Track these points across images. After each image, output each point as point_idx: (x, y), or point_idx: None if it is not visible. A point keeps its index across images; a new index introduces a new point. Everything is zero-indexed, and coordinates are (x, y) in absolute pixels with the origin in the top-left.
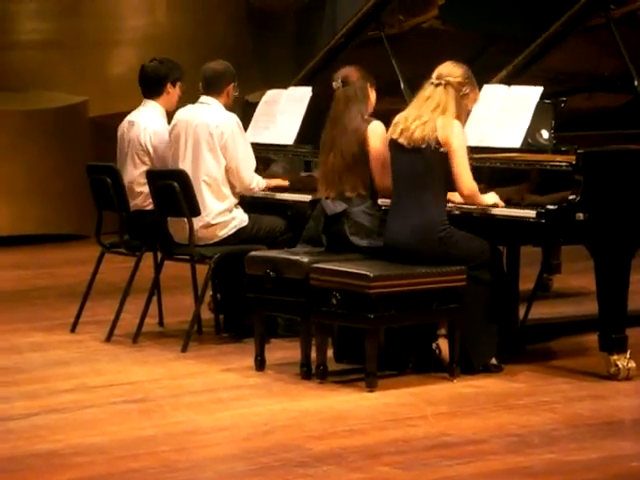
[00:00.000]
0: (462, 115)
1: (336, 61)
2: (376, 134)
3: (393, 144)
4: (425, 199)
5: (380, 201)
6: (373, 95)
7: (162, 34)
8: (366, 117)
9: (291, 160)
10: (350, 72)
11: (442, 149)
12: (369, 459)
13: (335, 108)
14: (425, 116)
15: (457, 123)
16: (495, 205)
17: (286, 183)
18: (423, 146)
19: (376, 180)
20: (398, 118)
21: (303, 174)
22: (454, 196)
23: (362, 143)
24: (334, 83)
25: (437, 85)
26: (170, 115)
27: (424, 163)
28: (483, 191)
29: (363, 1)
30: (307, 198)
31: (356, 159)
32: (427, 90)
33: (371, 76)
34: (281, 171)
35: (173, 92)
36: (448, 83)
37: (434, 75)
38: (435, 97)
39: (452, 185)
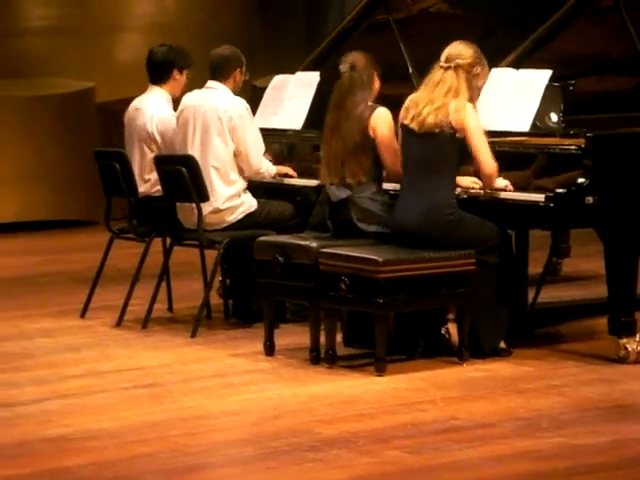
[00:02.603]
0: (474, 95)
1: (344, 46)
2: (383, 121)
3: (404, 129)
4: (435, 183)
5: (389, 186)
6: (377, 84)
7: (170, 20)
8: (370, 104)
9: (299, 145)
10: (358, 58)
11: (457, 135)
12: (378, 443)
13: (339, 92)
14: (437, 101)
15: (469, 105)
16: (505, 188)
17: (294, 173)
18: (436, 131)
19: (387, 166)
20: (409, 102)
21: (311, 160)
22: (462, 181)
23: (364, 130)
24: (341, 66)
25: (447, 69)
26: (176, 101)
27: (436, 149)
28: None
29: None
30: (315, 183)
31: (357, 146)
32: (437, 74)
33: (377, 64)
34: (289, 156)
35: (180, 79)
36: (458, 66)
37: (443, 57)
38: (446, 81)
39: (463, 168)
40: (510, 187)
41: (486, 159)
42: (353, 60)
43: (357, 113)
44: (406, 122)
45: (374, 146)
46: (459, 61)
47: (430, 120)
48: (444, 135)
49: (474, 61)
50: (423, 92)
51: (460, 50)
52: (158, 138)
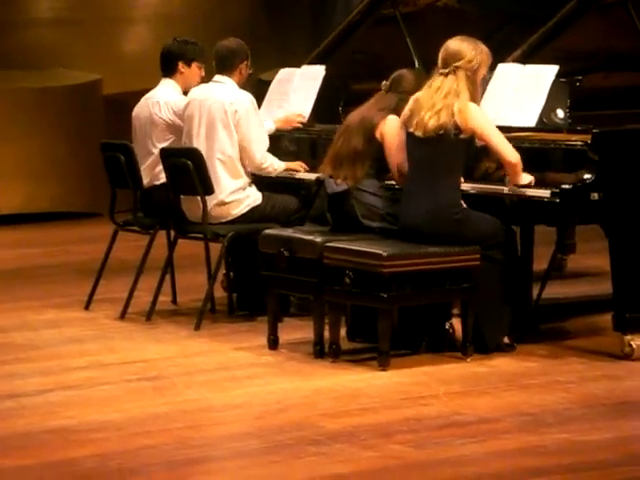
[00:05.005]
0: (477, 90)
1: (350, 39)
2: (391, 127)
3: (409, 136)
4: (440, 183)
5: (393, 181)
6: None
7: (176, 12)
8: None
9: (304, 139)
10: (404, 77)
11: (462, 135)
12: (381, 437)
13: (370, 100)
14: (438, 104)
15: (473, 105)
16: (530, 184)
17: (304, 168)
18: (441, 132)
19: (391, 168)
20: (412, 104)
21: (318, 156)
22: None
23: (371, 135)
24: (384, 83)
25: (447, 75)
26: (186, 94)
27: (441, 151)
28: (496, 171)
29: None
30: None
31: (359, 151)
32: (437, 80)
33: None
34: (294, 150)
35: (188, 71)
36: (457, 67)
37: (440, 62)
38: (445, 86)
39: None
40: (533, 181)
41: (507, 150)
42: (397, 79)
43: (368, 120)
44: (411, 130)
45: (381, 149)
46: (457, 63)
47: (432, 123)
48: (448, 136)
49: (472, 57)
50: (424, 97)
51: (456, 50)
52: (177, 121)
